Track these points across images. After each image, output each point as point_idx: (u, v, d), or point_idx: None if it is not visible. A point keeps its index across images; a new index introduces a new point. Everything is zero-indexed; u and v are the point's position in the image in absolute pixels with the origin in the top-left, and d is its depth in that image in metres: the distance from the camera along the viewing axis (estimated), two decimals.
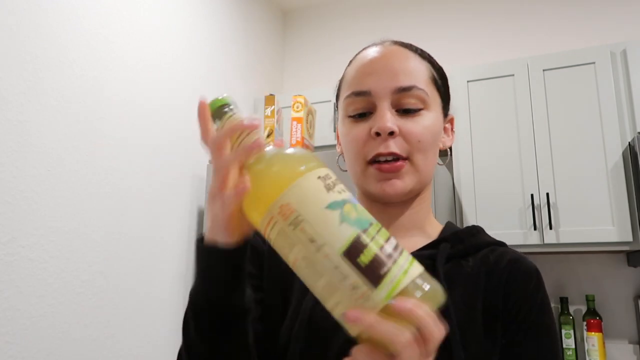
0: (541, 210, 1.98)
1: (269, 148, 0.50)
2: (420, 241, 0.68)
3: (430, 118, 0.66)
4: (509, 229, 2.02)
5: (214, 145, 0.50)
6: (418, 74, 0.66)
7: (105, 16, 1.71)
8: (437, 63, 0.72)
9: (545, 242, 1.96)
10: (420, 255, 0.63)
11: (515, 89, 2.12)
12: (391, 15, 2.82)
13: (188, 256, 2.04)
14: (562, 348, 2.05)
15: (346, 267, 0.41)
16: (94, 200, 1.62)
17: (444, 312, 0.56)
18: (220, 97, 0.54)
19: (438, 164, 0.72)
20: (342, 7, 2.95)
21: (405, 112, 0.64)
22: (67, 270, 1.50)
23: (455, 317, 0.59)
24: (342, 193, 0.45)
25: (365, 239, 0.43)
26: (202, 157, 2.18)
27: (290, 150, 0.49)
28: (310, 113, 2.31)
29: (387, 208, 0.68)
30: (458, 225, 2.10)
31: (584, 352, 2.02)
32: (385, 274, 0.41)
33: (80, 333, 1.52)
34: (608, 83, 1.99)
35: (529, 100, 2.09)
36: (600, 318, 2.02)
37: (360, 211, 0.45)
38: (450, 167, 2.17)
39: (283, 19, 3.09)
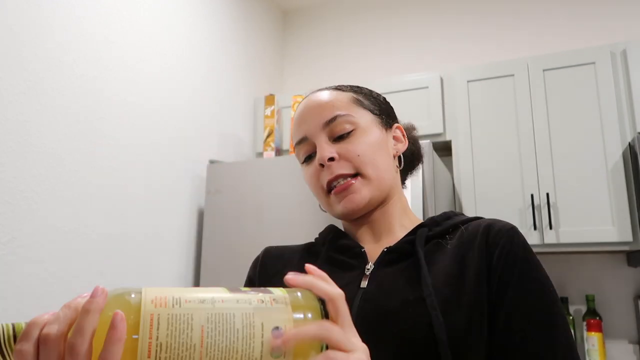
0: (541, 210, 1.98)
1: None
2: (402, 234, 0.74)
3: (364, 133, 0.73)
4: None
5: (55, 339, 0.39)
6: (338, 104, 0.74)
7: (105, 16, 1.72)
8: (362, 89, 0.80)
9: (545, 242, 1.96)
10: (401, 242, 0.71)
11: (515, 89, 2.12)
12: (391, 15, 2.82)
13: (188, 256, 2.04)
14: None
15: (243, 295, 0.45)
16: (94, 200, 1.62)
17: (423, 283, 0.62)
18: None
19: (400, 169, 0.79)
20: (342, 7, 2.95)
21: (339, 138, 0.72)
22: (67, 270, 1.50)
23: (434, 288, 0.63)
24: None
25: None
26: (202, 157, 2.19)
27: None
28: None
29: (365, 220, 0.76)
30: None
31: (584, 352, 2.02)
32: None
33: None
34: (608, 83, 1.99)
35: (529, 100, 2.09)
36: (600, 318, 2.02)
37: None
38: (450, 167, 2.17)
39: (283, 19, 3.09)
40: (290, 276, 0.46)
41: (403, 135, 0.80)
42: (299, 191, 1.86)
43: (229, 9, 2.49)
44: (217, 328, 0.42)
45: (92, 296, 0.40)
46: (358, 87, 0.80)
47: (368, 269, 0.70)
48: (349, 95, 0.76)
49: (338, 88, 0.78)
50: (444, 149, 2.26)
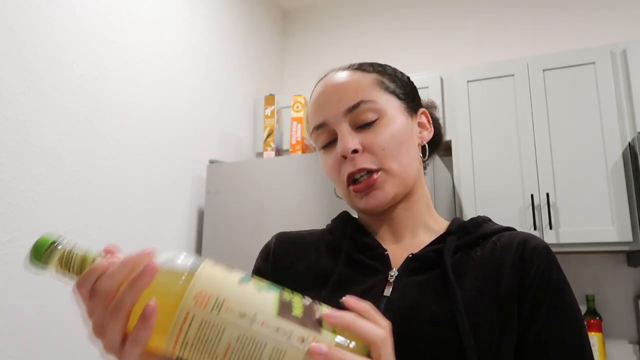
0: (541, 210, 1.98)
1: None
2: (427, 238, 0.70)
3: (389, 123, 0.68)
4: None
5: (104, 295, 0.44)
6: (362, 89, 0.68)
7: (105, 16, 1.72)
8: (387, 69, 0.74)
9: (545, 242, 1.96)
10: (427, 251, 0.66)
11: (515, 89, 2.12)
12: (391, 15, 2.82)
13: None
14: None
15: (287, 325, 0.42)
16: (94, 200, 1.62)
17: (452, 300, 0.58)
18: (43, 237, 0.47)
19: (424, 161, 0.74)
20: (342, 8, 2.95)
21: (362, 127, 0.67)
22: None
23: (463, 303, 0.60)
24: (238, 271, 0.46)
25: (286, 296, 0.45)
26: (202, 157, 2.18)
27: (164, 256, 0.46)
28: None
29: (386, 215, 0.71)
30: None
31: None
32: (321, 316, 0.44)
33: (80, 333, 1.52)
34: (608, 83, 1.99)
35: (529, 100, 2.09)
36: (600, 318, 2.02)
37: (263, 279, 0.47)
38: (450, 167, 2.17)
39: (283, 19, 3.09)
40: (331, 313, 0.45)
41: (428, 121, 0.75)
42: (299, 191, 1.86)
43: (229, 9, 2.49)
44: (243, 351, 0.41)
45: (142, 274, 0.43)
46: (382, 66, 0.74)
47: (391, 276, 0.65)
48: (373, 77, 0.71)
49: (361, 68, 0.72)
50: (444, 149, 2.26)
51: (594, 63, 2.03)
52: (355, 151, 0.65)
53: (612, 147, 1.94)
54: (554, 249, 2.16)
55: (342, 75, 0.71)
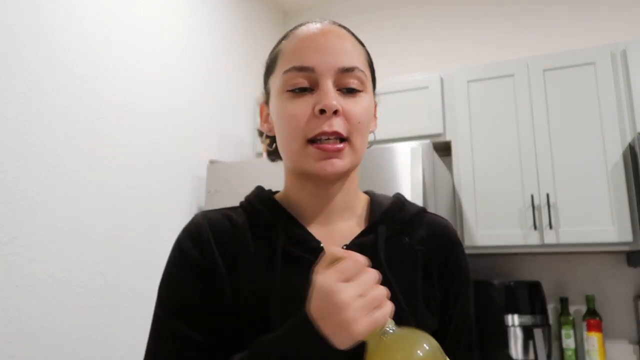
0: (541, 210, 1.98)
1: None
2: (354, 226, 0.69)
3: (367, 100, 0.67)
4: (509, 229, 2.02)
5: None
6: (359, 56, 0.67)
7: (105, 16, 1.72)
8: (367, 49, 0.74)
9: (545, 242, 1.96)
10: (361, 244, 0.66)
11: (515, 89, 2.12)
12: (391, 15, 2.82)
13: None
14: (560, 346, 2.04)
15: None
16: (94, 200, 1.62)
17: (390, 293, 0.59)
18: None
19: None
20: (342, 8, 2.95)
21: (347, 92, 0.64)
22: (67, 270, 1.50)
23: (401, 294, 0.63)
24: None
25: None
26: (202, 157, 2.18)
27: (419, 343, 0.51)
28: None
29: (322, 188, 0.68)
30: (457, 225, 2.10)
31: (584, 352, 2.02)
32: None
33: (80, 333, 1.52)
34: (608, 83, 1.99)
35: (529, 100, 2.09)
36: (600, 318, 2.02)
37: None
38: (450, 167, 2.17)
39: (283, 19, 3.09)
40: None
41: (375, 116, 0.74)
42: None
43: (229, 9, 2.49)
44: None
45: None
46: (364, 44, 0.74)
47: None
48: (364, 51, 0.71)
49: (356, 37, 0.71)
50: (444, 149, 2.26)
51: (594, 63, 2.03)
52: (336, 112, 0.62)
53: (612, 147, 1.94)
54: (553, 249, 2.16)
55: (342, 32, 0.68)
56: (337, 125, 0.62)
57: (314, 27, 0.68)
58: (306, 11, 3.05)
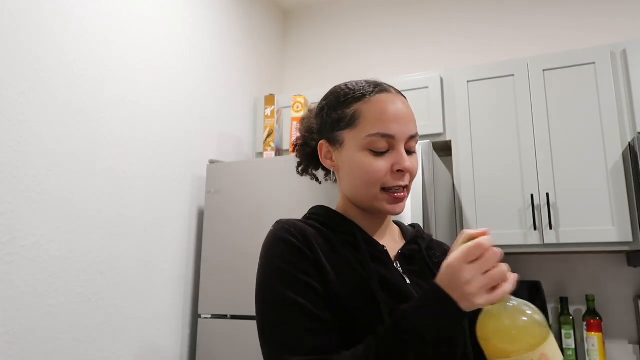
0: (541, 210, 1.98)
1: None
2: (396, 240, 0.91)
3: (416, 155, 0.87)
4: (509, 229, 2.02)
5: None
6: (415, 123, 0.85)
7: (105, 16, 1.72)
8: None
9: (545, 242, 1.96)
10: (409, 249, 0.88)
11: (515, 89, 2.12)
12: (391, 15, 2.82)
13: (188, 256, 2.04)
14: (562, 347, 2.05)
15: None
16: (94, 200, 1.62)
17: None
18: None
19: None
20: (342, 8, 2.95)
21: (410, 153, 0.83)
22: (67, 270, 1.50)
23: None
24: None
25: None
26: (202, 157, 2.19)
27: (531, 310, 0.65)
28: None
29: (376, 218, 0.88)
30: (457, 225, 2.10)
31: (584, 352, 2.02)
32: None
33: (80, 333, 1.52)
34: (608, 83, 1.99)
35: (529, 100, 2.09)
36: (600, 318, 2.02)
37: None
38: (450, 167, 2.17)
39: (283, 19, 3.09)
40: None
41: None
42: (299, 191, 1.86)
43: (229, 9, 2.49)
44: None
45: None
46: None
47: (398, 267, 0.84)
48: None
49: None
50: (444, 149, 2.26)
51: (594, 63, 2.03)
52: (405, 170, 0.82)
53: (612, 147, 1.94)
54: (553, 249, 2.16)
55: (407, 103, 0.86)
56: (406, 180, 0.83)
57: (391, 99, 0.84)
58: (306, 11, 3.05)
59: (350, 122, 0.83)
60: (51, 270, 1.45)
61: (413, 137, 0.83)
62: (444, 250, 0.93)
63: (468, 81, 2.20)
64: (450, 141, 2.19)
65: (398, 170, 0.81)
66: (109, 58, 1.72)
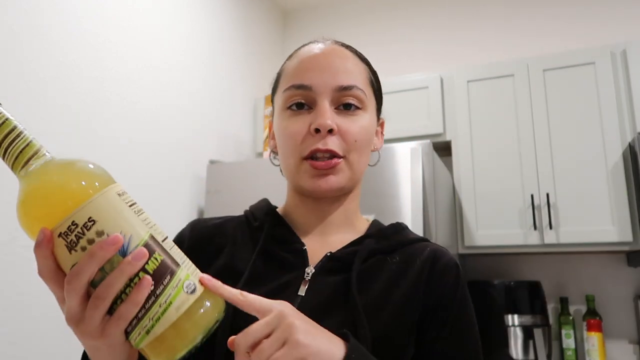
0: (541, 210, 1.98)
1: (47, 156, 0.48)
2: (348, 237, 0.70)
3: (366, 119, 0.68)
4: (509, 229, 2.02)
5: (81, 289, 0.46)
6: (358, 75, 0.68)
7: (105, 16, 1.72)
8: (373, 67, 0.74)
9: (545, 242, 1.96)
10: (345, 252, 0.67)
11: (515, 89, 2.12)
12: (391, 15, 2.82)
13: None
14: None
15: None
16: None
17: (353, 308, 0.60)
18: None
19: (369, 165, 0.73)
20: (342, 8, 2.95)
21: (344, 110, 0.66)
22: None
23: (368, 310, 0.61)
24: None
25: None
26: (202, 157, 2.19)
27: (74, 162, 0.48)
28: None
29: (319, 204, 0.70)
30: (457, 225, 2.10)
31: (584, 352, 2.02)
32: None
33: None
34: (608, 83, 1.99)
35: (529, 100, 2.09)
36: (600, 318, 2.02)
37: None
38: (450, 167, 2.17)
39: (283, 19, 3.09)
40: (206, 277, 0.49)
41: (382, 132, 0.76)
42: None
43: (229, 9, 2.49)
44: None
45: (125, 268, 0.44)
46: (368, 61, 0.75)
47: (308, 274, 0.65)
48: (366, 68, 0.71)
49: (357, 53, 0.72)
50: (444, 149, 2.26)
51: (594, 63, 2.03)
52: (331, 131, 0.64)
53: (612, 147, 1.94)
54: (553, 249, 2.16)
55: (342, 51, 0.70)
56: (332, 143, 0.64)
57: (315, 47, 0.70)
58: (306, 11, 3.05)
59: (275, 84, 0.74)
60: None
61: (346, 89, 0.65)
62: (424, 258, 0.68)
63: (468, 81, 2.20)
64: (450, 141, 2.19)
65: (316, 130, 0.63)
66: (109, 58, 1.72)
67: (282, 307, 0.49)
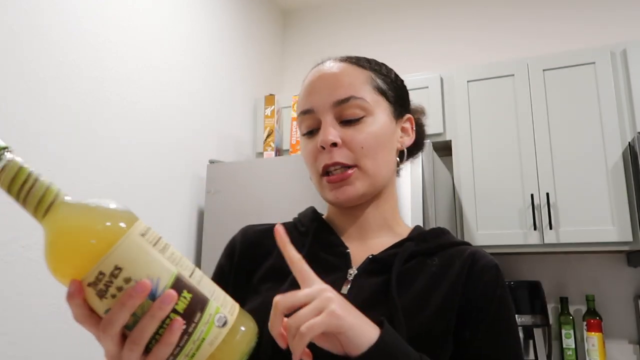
0: (541, 210, 1.98)
1: (67, 198, 0.49)
2: (389, 241, 0.72)
3: (375, 123, 0.70)
4: (509, 229, 2.02)
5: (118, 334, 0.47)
6: (355, 84, 0.70)
7: (105, 16, 1.72)
8: (382, 69, 0.76)
9: (545, 242, 1.96)
10: (386, 254, 0.69)
11: (515, 89, 2.12)
12: (391, 15, 2.82)
13: (188, 256, 2.04)
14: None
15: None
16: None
17: (391, 307, 0.62)
18: None
19: (399, 164, 0.76)
20: (342, 8, 2.95)
21: (347, 122, 0.69)
22: None
23: (407, 310, 0.63)
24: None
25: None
26: (202, 157, 2.19)
27: (96, 203, 0.49)
28: None
29: (352, 211, 0.74)
30: (457, 225, 2.10)
31: (584, 352, 2.02)
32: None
33: (81, 333, 1.52)
34: (608, 83, 1.99)
35: (529, 100, 2.09)
36: (600, 318, 2.02)
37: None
38: (450, 167, 2.18)
39: (283, 19, 3.09)
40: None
41: (412, 128, 0.77)
42: (299, 191, 1.86)
43: (229, 9, 2.49)
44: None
45: (155, 314, 0.45)
46: (379, 64, 0.76)
47: (350, 274, 0.68)
48: (367, 74, 0.72)
49: (358, 63, 0.73)
50: (444, 149, 2.26)
51: (594, 63, 2.03)
52: (334, 144, 0.67)
53: (612, 147, 1.94)
54: (553, 249, 2.16)
55: (338, 66, 0.72)
56: (338, 156, 0.68)
57: (314, 71, 0.74)
58: (306, 11, 3.05)
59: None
60: None
61: (343, 102, 0.68)
62: (463, 260, 0.69)
63: (468, 81, 2.20)
64: (450, 141, 2.19)
65: (322, 148, 0.68)
66: (109, 58, 1.72)
67: (325, 285, 0.53)
